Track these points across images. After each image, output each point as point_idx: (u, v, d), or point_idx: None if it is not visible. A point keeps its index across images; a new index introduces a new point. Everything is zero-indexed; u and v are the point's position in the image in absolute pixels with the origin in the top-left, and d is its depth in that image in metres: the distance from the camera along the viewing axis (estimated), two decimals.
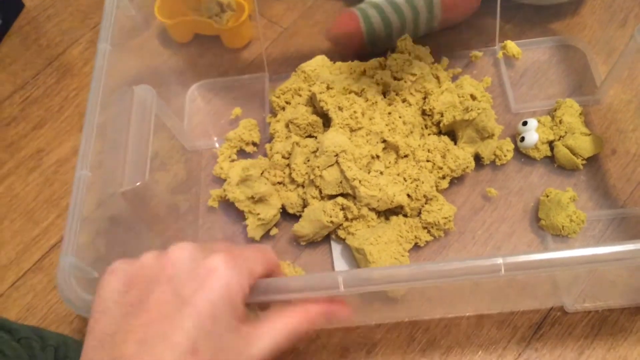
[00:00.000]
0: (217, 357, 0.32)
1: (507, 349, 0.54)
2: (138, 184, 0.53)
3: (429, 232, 0.59)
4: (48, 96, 0.77)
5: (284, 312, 0.36)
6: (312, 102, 0.65)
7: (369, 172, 0.59)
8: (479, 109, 0.59)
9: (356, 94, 0.63)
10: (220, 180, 0.66)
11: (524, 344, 0.54)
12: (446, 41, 0.71)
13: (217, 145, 0.69)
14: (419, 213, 0.59)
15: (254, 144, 0.68)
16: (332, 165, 0.59)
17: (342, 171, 0.58)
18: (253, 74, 0.73)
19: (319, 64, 0.68)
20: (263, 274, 0.37)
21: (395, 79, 0.65)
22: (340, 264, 0.59)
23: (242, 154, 0.68)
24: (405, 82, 0.63)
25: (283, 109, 0.68)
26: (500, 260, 0.39)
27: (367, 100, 0.63)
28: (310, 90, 0.66)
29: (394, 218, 0.59)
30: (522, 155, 0.63)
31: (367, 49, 0.69)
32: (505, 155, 0.62)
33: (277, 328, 0.35)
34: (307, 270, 0.59)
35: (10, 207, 0.69)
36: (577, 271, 0.46)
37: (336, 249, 0.60)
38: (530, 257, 0.39)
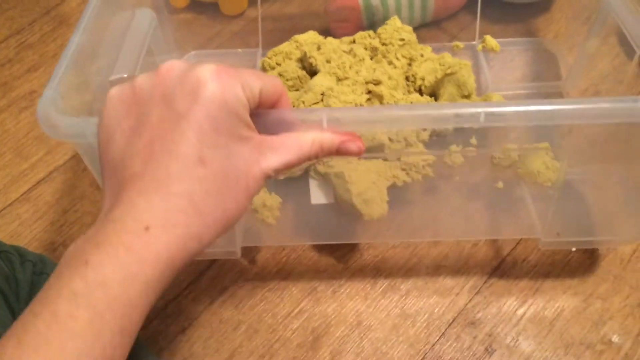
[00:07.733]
0: (227, 167, 0.31)
1: (460, 294, 0.57)
2: (125, 75, 0.54)
3: (407, 173, 0.59)
4: (44, 42, 0.80)
5: (299, 133, 0.36)
6: (302, 63, 0.68)
7: None
8: (460, 64, 0.63)
9: (345, 52, 0.66)
10: None
11: (474, 291, 0.57)
12: (430, 35, 0.77)
13: None
14: (399, 159, 0.60)
15: None
16: (317, 102, 0.61)
17: (327, 107, 0.59)
18: (247, 48, 0.77)
19: (312, 37, 0.72)
20: (265, 93, 0.34)
21: (383, 45, 0.68)
22: (317, 196, 0.59)
23: None
24: (392, 45, 0.67)
25: (273, 68, 0.70)
26: (481, 109, 0.40)
27: (355, 56, 0.66)
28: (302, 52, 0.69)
29: (373, 160, 0.60)
30: None
31: (364, 28, 0.74)
32: None
33: (291, 145, 0.34)
34: (285, 200, 0.58)
35: (0, 142, 0.70)
36: (555, 122, 0.47)
37: (313, 184, 0.60)
38: (511, 108, 0.40)
